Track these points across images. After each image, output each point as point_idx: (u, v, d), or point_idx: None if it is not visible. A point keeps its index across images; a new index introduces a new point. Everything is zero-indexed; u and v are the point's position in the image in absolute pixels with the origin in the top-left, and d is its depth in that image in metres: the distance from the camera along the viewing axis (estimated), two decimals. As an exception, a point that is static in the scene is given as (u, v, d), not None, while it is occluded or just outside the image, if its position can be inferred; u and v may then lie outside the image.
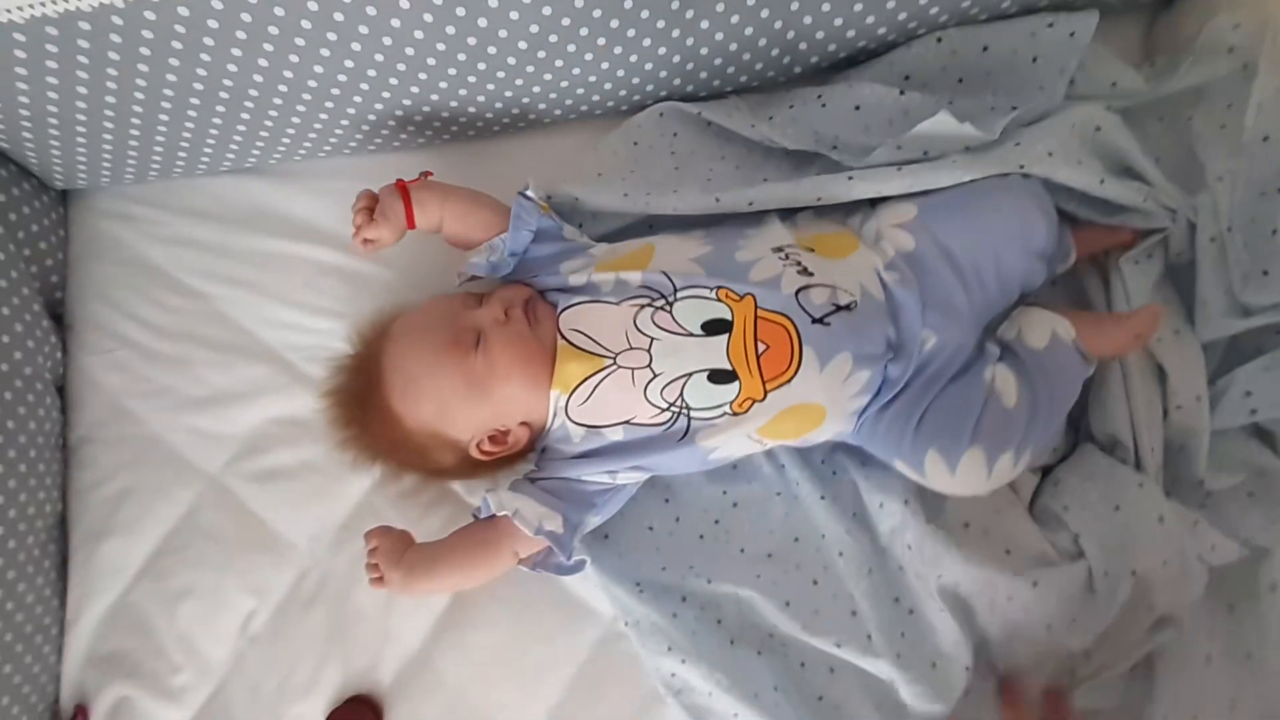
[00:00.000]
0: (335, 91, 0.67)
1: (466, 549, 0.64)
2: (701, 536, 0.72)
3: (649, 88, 0.71)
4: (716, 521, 0.72)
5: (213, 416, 0.78)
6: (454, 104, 0.71)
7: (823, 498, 0.68)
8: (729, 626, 0.69)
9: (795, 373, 0.59)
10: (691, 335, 0.59)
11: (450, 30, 0.61)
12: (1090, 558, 0.61)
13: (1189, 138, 0.67)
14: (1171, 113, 0.68)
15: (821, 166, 0.69)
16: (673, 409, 0.60)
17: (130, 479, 0.78)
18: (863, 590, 0.66)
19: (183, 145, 0.73)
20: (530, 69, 0.66)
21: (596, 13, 0.61)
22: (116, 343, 0.80)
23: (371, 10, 0.58)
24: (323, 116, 0.71)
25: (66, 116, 0.67)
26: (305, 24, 0.59)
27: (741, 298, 0.59)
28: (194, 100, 0.67)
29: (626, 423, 0.62)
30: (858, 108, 0.68)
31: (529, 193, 0.67)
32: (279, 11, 0.57)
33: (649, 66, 0.68)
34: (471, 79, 0.67)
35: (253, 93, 0.66)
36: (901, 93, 0.66)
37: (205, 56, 0.61)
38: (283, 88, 0.66)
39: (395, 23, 0.60)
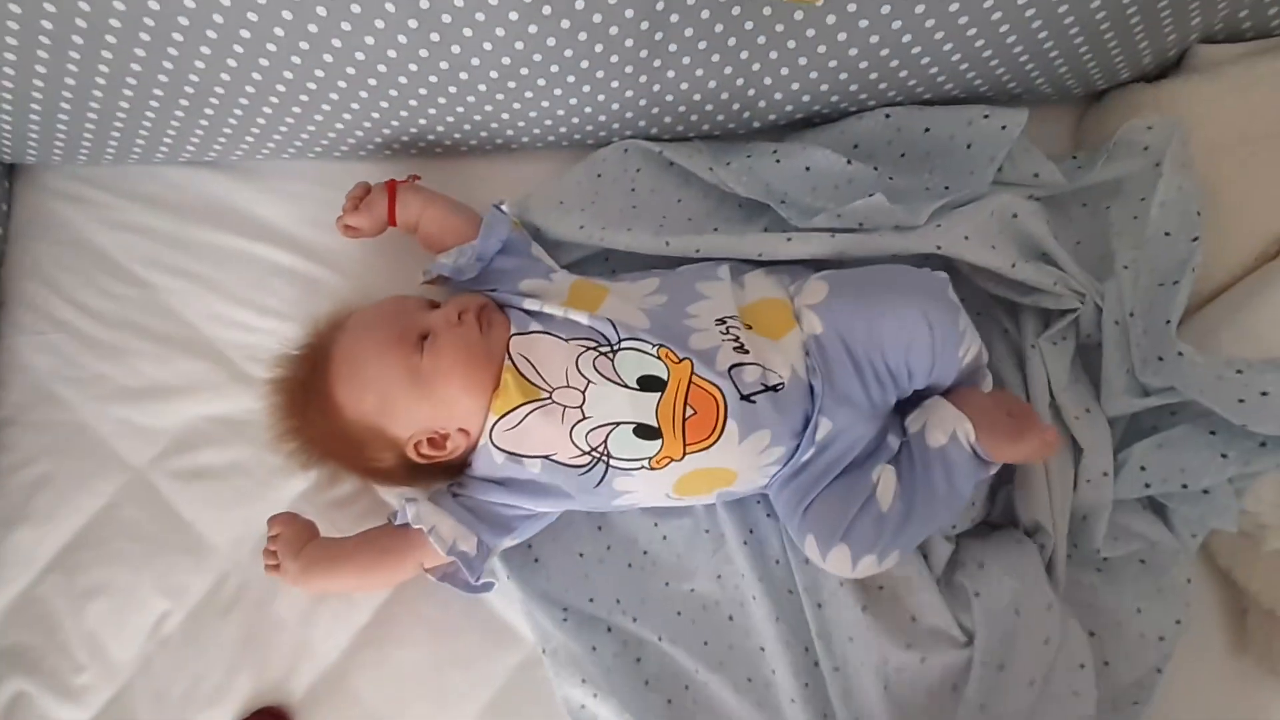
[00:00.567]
0: (304, 97, 0.67)
1: (371, 553, 0.65)
2: (630, 565, 0.73)
3: (614, 125, 0.74)
4: (645, 553, 0.73)
5: (144, 409, 0.76)
6: (422, 121, 0.72)
7: (745, 542, 0.70)
8: (647, 667, 0.70)
9: (716, 441, 0.61)
10: (626, 387, 0.61)
11: (423, 53, 0.62)
12: (977, 647, 0.63)
13: (1106, 225, 0.72)
14: (1093, 201, 0.74)
15: (770, 220, 0.73)
16: (594, 454, 0.62)
17: (50, 466, 0.75)
18: (770, 633, 0.68)
19: (142, 132, 0.72)
20: (500, 97, 0.68)
21: (568, 52, 0.63)
22: (51, 325, 0.78)
23: (346, 25, 0.59)
24: (289, 120, 0.71)
25: (22, 91, 0.66)
26: (278, 30, 0.59)
27: (680, 360, 0.61)
28: (157, 90, 0.66)
29: (546, 458, 0.63)
30: (808, 169, 0.72)
31: (504, 207, 0.70)
32: (252, 16, 0.58)
33: (615, 106, 0.71)
34: (441, 100, 0.68)
35: (219, 89, 0.66)
36: (849, 161, 0.71)
37: (173, 50, 0.61)
38: (249, 88, 0.66)
39: (369, 40, 0.61)
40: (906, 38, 0.64)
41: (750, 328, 0.64)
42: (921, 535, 0.64)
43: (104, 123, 0.71)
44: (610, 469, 0.63)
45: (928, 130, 0.72)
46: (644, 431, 0.61)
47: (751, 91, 0.70)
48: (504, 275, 0.69)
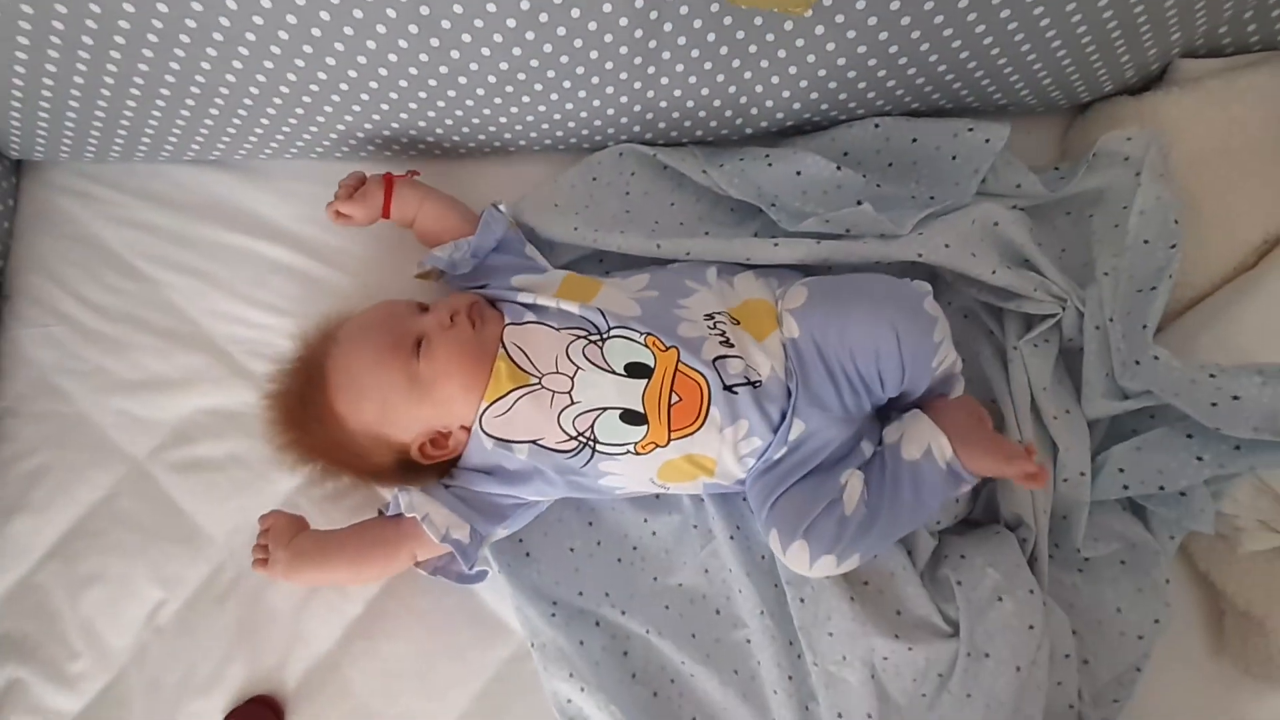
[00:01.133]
0: (306, 99, 0.69)
1: (362, 545, 0.65)
2: (619, 560, 0.74)
3: (609, 130, 0.76)
4: (634, 548, 0.75)
5: (144, 401, 0.78)
6: (422, 123, 0.74)
7: (732, 537, 0.72)
8: (634, 660, 0.71)
9: (699, 427, 0.63)
10: (614, 373, 0.63)
11: (424, 58, 0.64)
12: (961, 636, 0.64)
13: (1089, 234, 0.74)
14: (1077, 210, 0.76)
15: (760, 224, 0.74)
16: (581, 439, 0.64)
17: (50, 456, 0.76)
18: (755, 626, 0.69)
19: (148, 130, 0.74)
20: (497, 100, 0.70)
21: (564, 58, 0.65)
22: (54, 318, 0.80)
23: (349, 30, 0.61)
24: (292, 120, 0.73)
25: (32, 88, 0.68)
26: (282, 34, 0.61)
27: (667, 349, 0.63)
28: (164, 90, 0.68)
29: (533, 443, 0.64)
30: (799, 173, 0.73)
31: (501, 207, 0.72)
32: (258, 20, 0.60)
33: (610, 111, 0.72)
34: (440, 103, 0.70)
35: (224, 89, 0.68)
36: (839, 168, 0.72)
37: (180, 51, 0.63)
38: (254, 89, 0.68)
39: (371, 44, 0.63)
40: (893, 48, 0.66)
41: (738, 324, 0.66)
42: (882, 543, 0.64)
43: (111, 121, 0.72)
44: (596, 453, 0.64)
45: (915, 141, 0.74)
46: (630, 417, 0.63)
47: (743, 99, 0.72)
48: (497, 272, 0.71)
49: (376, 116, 0.72)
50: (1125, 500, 0.71)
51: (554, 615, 0.71)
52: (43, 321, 0.79)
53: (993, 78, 0.71)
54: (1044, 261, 0.69)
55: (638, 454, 0.64)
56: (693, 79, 0.69)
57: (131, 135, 0.75)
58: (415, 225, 0.73)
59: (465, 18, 0.60)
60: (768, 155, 0.75)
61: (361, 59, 0.64)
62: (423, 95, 0.69)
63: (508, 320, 0.66)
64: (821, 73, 0.68)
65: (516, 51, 0.64)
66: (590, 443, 0.64)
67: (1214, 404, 0.62)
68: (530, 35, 0.62)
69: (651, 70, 0.67)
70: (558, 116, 0.73)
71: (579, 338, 0.64)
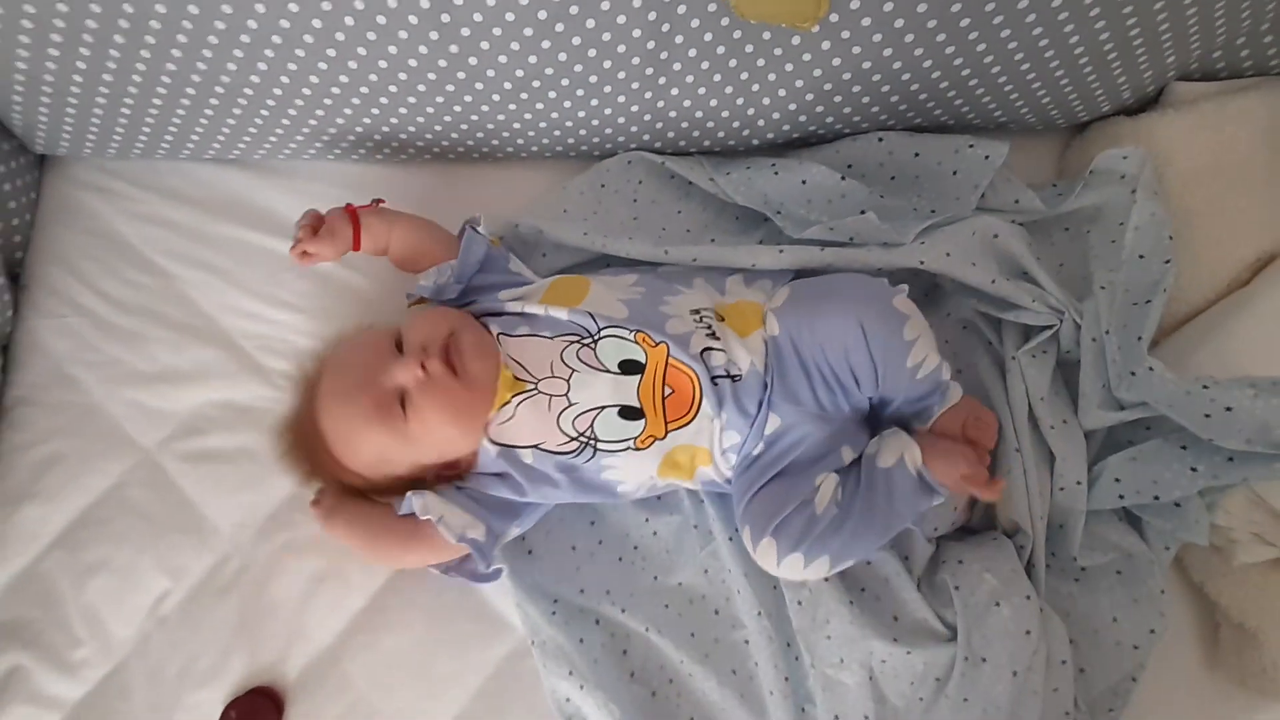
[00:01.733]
0: (327, 100, 0.71)
1: (384, 526, 0.67)
2: (620, 559, 0.75)
3: (619, 138, 0.78)
4: (635, 547, 0.75)
5: (156, 393, 0.79)
6: (438, 127, 0.76)
7: (731, 538, 0.72)
8: (633, 659, 0.72)
9: (694, 417, 0.65)
10: (608, 372, 0.64)
11: (442, 63, 0.66)
12: (959, 641, 0.65)
13: (1086, 249, 0.75)
14: (1075, 226, 0.78)
15: (765, 233, 0.76)
16: (582, 439, 0.65)
17: (62, 445, 0.77)
18: (753, 627, 0.70)
19: (171, 129, 0.76)
20: (512, 106, 0.72)
21: (577, 67, 0.67)
22: (70, 309, 0.81)
23: (371, 35, 0.63)
24: (312, 121, 0.75)
25: (61, 86, 0.70)
26: (307, 38, 0.64)
27: (656, 344, 0.65)
28: (189, 89, 0.70)
29: (536, 447, 0.66)
30: (804, 182, 0.75)
31: (479, 227, 0.71)
32: (284, 24, 0.62)
33: (620, 120, 0.74)
34: (456, 108, 0.72)
35: (247, 90, 0.70)
36: (843, 178, 0.74)
37: (207, 52, 0.65)
38: (277, 90, 0.70)
39: (392, 50, 0.65)
40: (897, 65, 0.68)
41: (723, 320, 0.68)
42: (853, 549, 0.64)
43: (136, 119, 0.74)
44: (598, 452, 0.65)
45: (917, 155, 0.76)
46: (628, 413, 0.64)
47: (750, 110, 0.74)
48: (484, 290, 0.72)
49: (394, 120, 0.74)
50: (1121, 511, 0.72)
51: (554, 613, 0.72)
52: (60, 312, 0.81)
53: (993, 95, 0.74)
54: (1042, 274, 0.71)
55: (638, 449, 0.65)
56: (702, 90, 0.71)
57: (155, 133, 0.77)
58: (389, 253, 0.72)
59: (484, 26, 0.62)
60: (774, 165, 0.77)
61: (382, 63, 0.66)
62: (440, 100, 0.71)
63: (500, 331, 0.67)
64: (827, 87, 0.70)
65: (532, 59, 0.66)
66: (591, 442, 0.65)
67: (1207, 415, 0.63)
68: (546, 44, 0.64)
69: (662, 80, 0.70)
70: (569, 123, 0.75)
71: (571, 343, 0.65)
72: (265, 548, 0.75)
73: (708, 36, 0.65)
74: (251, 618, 0.74)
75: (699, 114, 0.74)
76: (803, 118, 0.74)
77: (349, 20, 0.62)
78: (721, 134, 0.77)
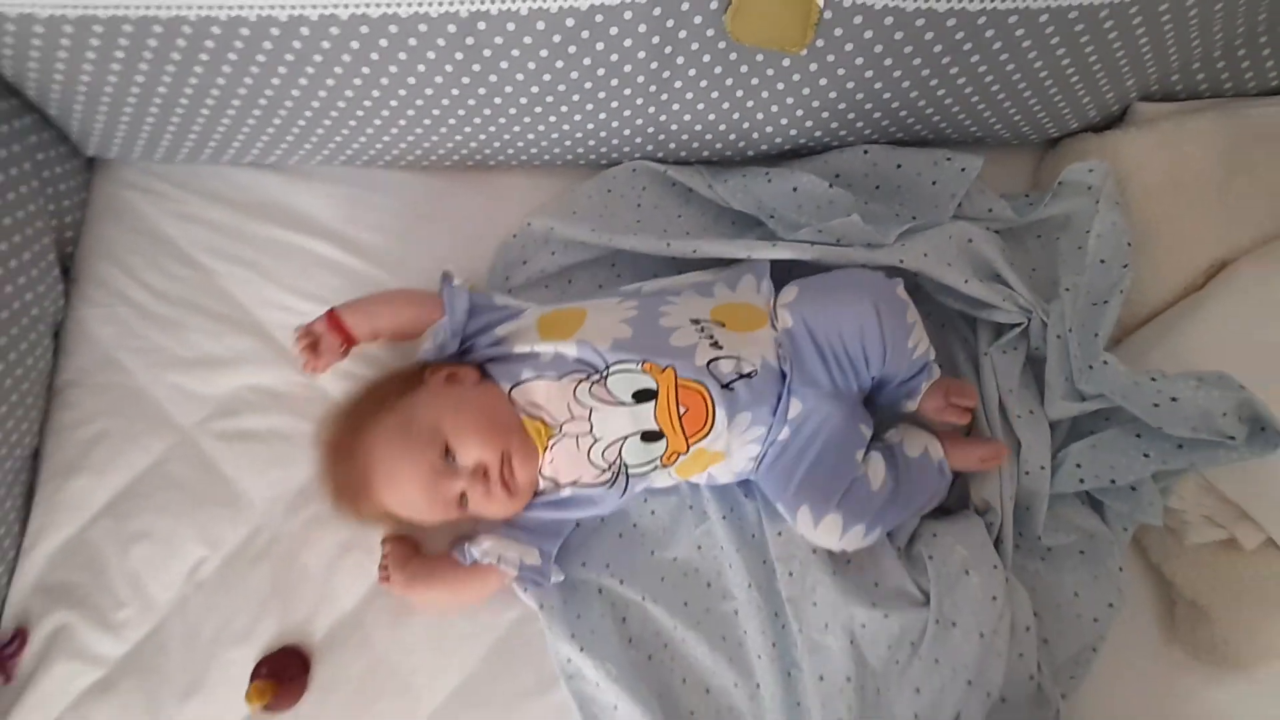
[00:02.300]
0: (360, 113, 0.78)
1: (457, 578, 0.74)
2: (620, 535, 0.81)
3: (625, 148, 0.85)
4: (634, 525, 0.82)
5: (196, 377, 0.85)
6: (458, 137, 0.83)
7: (725, 517, 0.79)
8: (631, 626, 0.78)
9: (712, 429, 0.70)
10: (624, 404, 0.70)
11: (465, 80, 0.73)
12: (931, 606, 0.71)
13: (1055, 254, 0.82)
14: (1046, 234, 0.84)
15: (759, 235, 0.83)
16: (612, 469, 0.72)
17: (108, 424, 0.84)
18: (743, 598, 0.76)
19: (215, 136, 0.83)
20: (527, 119, 0.79)
21: (587, 84, 0.74)
22: (117, 300, 0.88)
23: (403, 55, 0.70)
24: (344, 131, 0.82)
25: (119, 98, 0.77)
26: (345, 57, 0.70)
27: (664, 369, 0.70)
28: (235, 101, 0.77)
29: (574, 483, 0.73)
30: (795, 189, 0.82)
31: (455, 280, 0.76)
32: (325, 44, 0.69)
33: (626, 131, 0.81)
34: (477, 120, 0.79)
35: (288, 103, 0.77)
36: (831, 186, 0.81)
37: (254, 69, 0.72)
38: (315, 103, 0.77)
39: (421, 68, 0.72)
40: (878, 85, 0.75)
41: (723, 325, 0.73)
42: (897, 519, 0.74)
43: (184, 126, 0.81)
44: (630, 479, 0.72)
45: (899, 167, 0.83)
46: (649, 436, 0.70)
47: (745, 124, 0.80)
48: (479, 333, 0.76)
49: (419, 130, 0.81)
50: (1084, 495, 0.78)
51: (559, 583, 0.78)
52: (107, 302, 0.88)
53: (968, 113, 0.80)
54: (1012, 276, 0.77)
55: (663, 465, 0.72)
56: (700, 105, 0.78)
57: (200, 139, 0.84)
58: (381, 336, 0.77)
59: (504, 48, 0.69)
60: (767, 173, 0.83)
61: (411, 79, 0.73)
62: (461, 113, 0.78)
63: (509, 386, 0.71)
64: (815, 104, 0.77)
65: (546, 77, 0.73)
66: (622, 469, 0.71)
67: (1155, 404, 0.69)
68: (559, 64, 0.71)
69: (664, 97, 0.76)
70: (579, 134, 0.82)
71: (581, 380, 0.71)
72: (295, 520, 0.82)
73: (706, 58, 0.72)
74: (282, 583, 0.80)
75: (698, 127, 0.81)
76: (793, 132, 0.81)
77: (383, 42, 0.69)
78: (719, 146, 0.84)
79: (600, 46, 0.69)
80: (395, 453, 0.70)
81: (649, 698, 0.73)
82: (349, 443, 0.73)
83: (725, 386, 0.70)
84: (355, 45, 0.69)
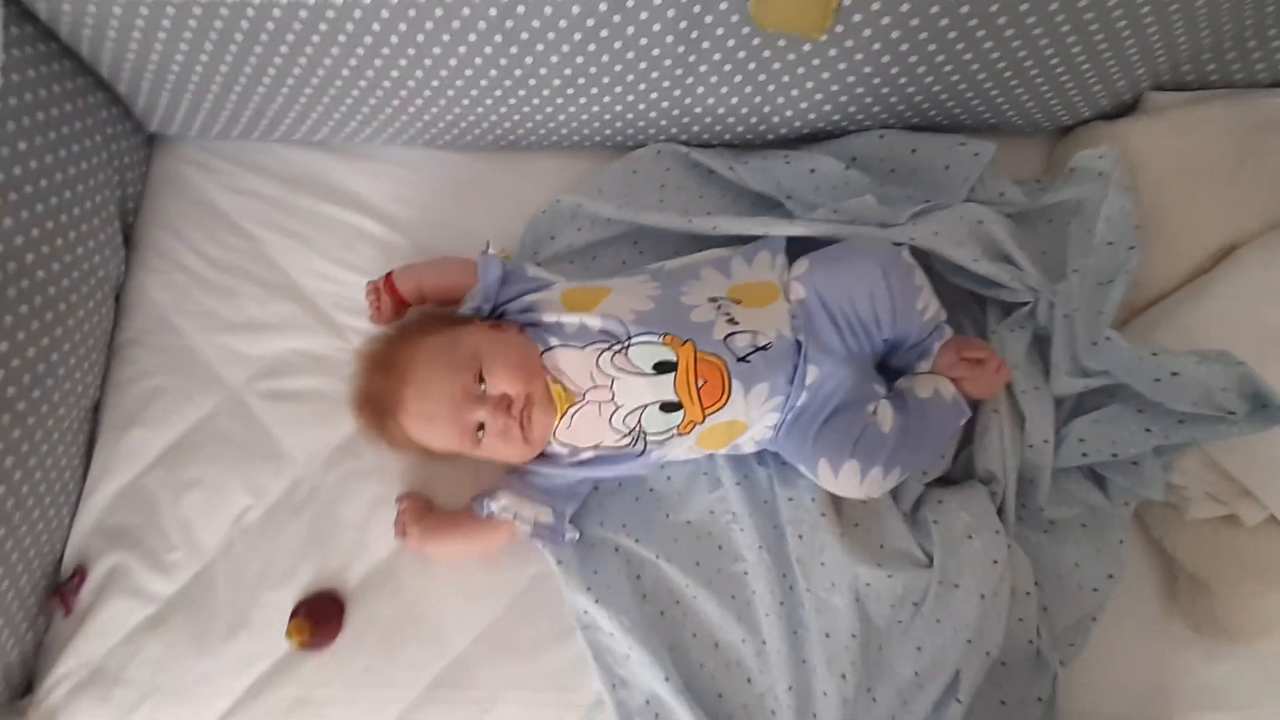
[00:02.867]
0: (403, 92, 0.83)
1: (472, 529, 0.79)
2: (636, 499, 0.85)
3: (651, 130, 0.89)
4: (651, 489, 0.86)
5: (244, 339, 0.91)
6: (494, 118, 0.88)
7: (738, 484, 0.82)
8: (645, 583, 0.82)
9: (727, 400, 0.74)
10: (645, 374, 0.74)
11: (503, 62, 0.78)
12: (935, 568, 0.74)
13: (1065, 238, 0.84)
14: (1058, 218, 0.86)
15: (778, 215, 0.86)
16: (632, 434, 0.75)
17: (163, 381, 0.90)
18: (753, 559, 0.79)
19: (269, 114, 0.89)
20: (559, 100, 0.83)
21: (617, 67, 0.78)
22: (173, 267, 0.94)
23: (446, 37, 0.75)
24: (388, 110, 0.87)
25: (183, 76, 0.83)
26: (393, 38, 0.75)
27: (684, 343, 0.74)
28: (289, 80, 0.82)
29: (596, 446, 0.77)
30: (813, 171, 0.86)
31: (490, 250, 0.81)
32: (375, 27, 0.74)
33: (652, 114, 0.85)
34: (512, 100, 0.84)
35: (338, 82, 0.82)
36: (847, 168, 0.84)
37: (309, 49, 0.78)
38: (362, 82, 0.82)
39: (462, 49, 0.76)
40: (895, 71, 0.78)
41: (739, 303, 0.77)
42: (915, 460, 0.76)
43: (241, 104, 0.87)
44: (648, 443, 0.76)
45: (914, 151, 0.86)
46: (668, 406, 0.74)
47: (766, 108, 0.84)
48: (510, 300, 0.80)
49: (458, 110, 0.86)
50: (1087, 470, 0.80)
51: (578, 540, 0.82)
52: (164, 269, 0.94)
53: (982, 100, 0.83)
54: (1021, 257, 0.80)
55: (681, 434, 0.76)
56: (724, 89, 0.82)
57: (255, 117, 0.90)
58: (427, 299, 0.84)
59: (540, 31, 0.74)
60: (786, 155, 0.87)
61: (453, 61, 0.78)
62: (498, 94, 0.83)
63: (539, 348, 0.75)
64: (834, 89, 0.81)
65: (579, 60, 0.77)
66: (641, 435, 0.75)
67: (1157, 380, 0.71)
68: (591, 47, 0.76)
69: (689, 80, 0.81)
70: (608, 116, 0.86)
71: (604, 349, 0.75)
72: (334, 474, 0.87)
73: (730, 43, 0.76)
74: (320, 532, 0.85)
75: (721, 111, 0.85)
76: (813, 115, 0.85)
77: (429, 25, 0.74)
78: (741, 129, 0.88)
79: (630, 30, 0.74)
80: (435, 366, 0.75)
81: (660, 649, 0.77)
82: (391, 353, 0.78)
83: (742, 360, 0.74)
84: (403, 27, 0.74)
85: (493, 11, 0.72)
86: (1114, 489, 0.79)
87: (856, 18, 0.72)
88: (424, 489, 0.86)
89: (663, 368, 0.74)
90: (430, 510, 0.81)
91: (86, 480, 0.87)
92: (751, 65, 0.79)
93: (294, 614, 0.81)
